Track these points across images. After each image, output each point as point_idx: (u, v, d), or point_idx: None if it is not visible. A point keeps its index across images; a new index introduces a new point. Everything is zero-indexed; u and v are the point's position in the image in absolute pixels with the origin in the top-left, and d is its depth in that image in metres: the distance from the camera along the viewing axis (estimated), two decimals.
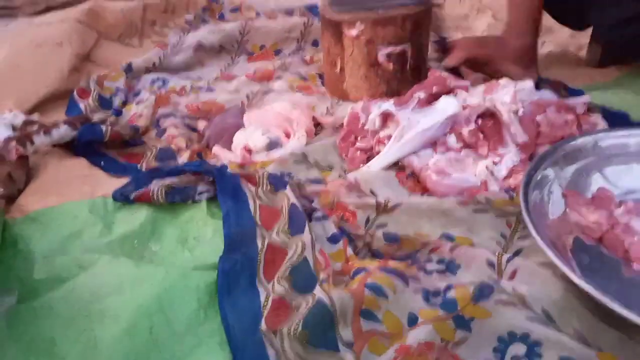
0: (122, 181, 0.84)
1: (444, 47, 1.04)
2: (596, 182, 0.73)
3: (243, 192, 0.77)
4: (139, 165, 0.92)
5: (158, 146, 0.96)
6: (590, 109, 0.95)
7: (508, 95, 0.86)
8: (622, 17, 1.01)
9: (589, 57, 1.24)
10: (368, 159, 0.91)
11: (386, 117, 0.93)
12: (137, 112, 1.08)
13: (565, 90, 1.05)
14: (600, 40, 1.19)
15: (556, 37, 1.32)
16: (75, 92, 1.16)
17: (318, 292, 0.58)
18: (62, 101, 1.16)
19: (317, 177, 0.87)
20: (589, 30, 1.22)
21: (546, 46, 1.30)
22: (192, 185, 0.81)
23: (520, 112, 0.84)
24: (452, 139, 0.88)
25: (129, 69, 1.27)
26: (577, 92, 1.03)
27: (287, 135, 0.99)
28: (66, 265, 0.67)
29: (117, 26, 1.40)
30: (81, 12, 1.36)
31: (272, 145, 0.95)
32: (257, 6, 1.65)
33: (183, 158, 0.92)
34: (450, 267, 0.65)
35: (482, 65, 1.02)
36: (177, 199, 0.78)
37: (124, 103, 1.15)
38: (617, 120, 0.91)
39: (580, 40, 1.30)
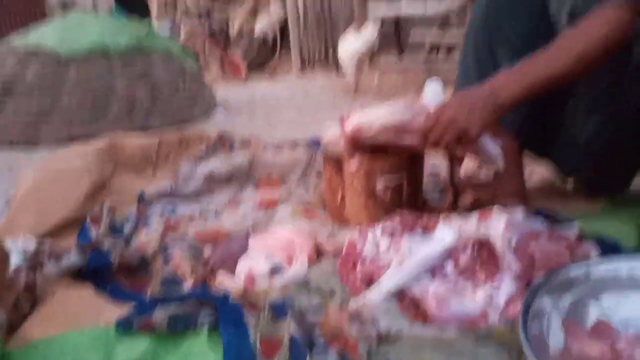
0: (126, 308, 0.85)
1: (457, 191, 1.17)
2: (594, 311, 0.74)
3: (244, 320, 0.78)
4: (144, 293, 0.93)
5: (164, 272, 0.99)
6: (582, 237, 0.99)
7: (501, 224, 0.90)
8: (575, 161, 1.14)
9: (575, 187, 1.30)
10: (368, 285, 0.92)
11: (391, 235, 0.97)
12: (146, 238, 1.12)
13: (556, 220, 1.09)
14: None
15: (544, 167, 1.40)
16: (88, 219, 1.22)
17: None
18: (75, 226, 1.21)
19: (318, 304, 0.88)
20: None
21: (534, 176, 1.37)
22: (194, 314, 0.82)
23: (513, 242, 0.88)
24: (449, 267, 0.90)
25: (141, 196, 1.34)
26: (567, 221, 1.07)
27: (290, 261, 1.01)
28: None
29: (133, 157, 1.50)
30: (101, 144, 1.47)
31: (275, 271, 0.97)
32: (265, 139, 1.78)
33: (188, 284, 0.94)
34: None
35: (485, 204, 1.09)
36: (179, 328, 0.79)
37: (135, 229, 1.20)
38: (608, 248, 0.94)
39: None
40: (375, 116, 1.09)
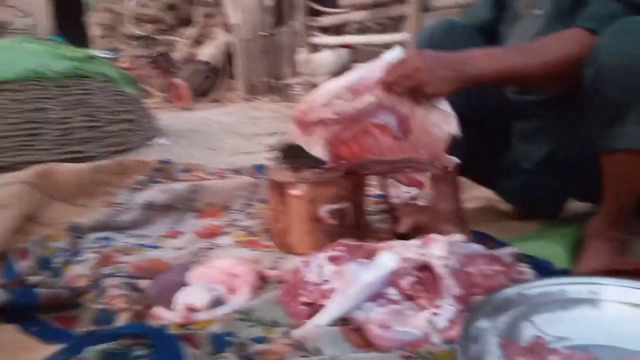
0: (54, 348, 0.80)
1: (394, 217, 1.18)
2: (528, 330, 0.76)
3: (183, 356, 0.74)
4: (74, 330, 0.88)
5: (96, 308, 0.93)
6: (518, 258, 1.02)
7: (440, 248, 0.92)
8: (516, 186, 1.20)
9: (512, 210, 1.36)
10: (312, 313, 0.91)
11: (335, 261, 0.96)
12: (77, 272, 1.06)
13: (493, 242, 1.13)
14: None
15: (482, 192, 1.45)
16: (13, 253, 1.14)
17: None
18: (0, 261, 1.12)
19: (260, 336, 0.85)
20: None
21: (474, 201, 1.42)
22: (129, 350, 0.77)
23: (453, 265, 0.90)
24: (392, 291, 0.90)
25: (74, 228, 1.27)
26: (504, 244, 1.11)
27: (232, 291, 0.99)
28: None
29: (67, 186, 1.43)
30: (31, 174, 1.39)
31: (216, 302, 0.94)
32: (208, 166, 1.75)
33: (122, 319, 0.89)
34: None
35: (424, 228, 1.12)
36: None
37: (66, 263, 1.13)
38: (541, 268, 0.98)
39: None
40: (327, 87, 1.05)
